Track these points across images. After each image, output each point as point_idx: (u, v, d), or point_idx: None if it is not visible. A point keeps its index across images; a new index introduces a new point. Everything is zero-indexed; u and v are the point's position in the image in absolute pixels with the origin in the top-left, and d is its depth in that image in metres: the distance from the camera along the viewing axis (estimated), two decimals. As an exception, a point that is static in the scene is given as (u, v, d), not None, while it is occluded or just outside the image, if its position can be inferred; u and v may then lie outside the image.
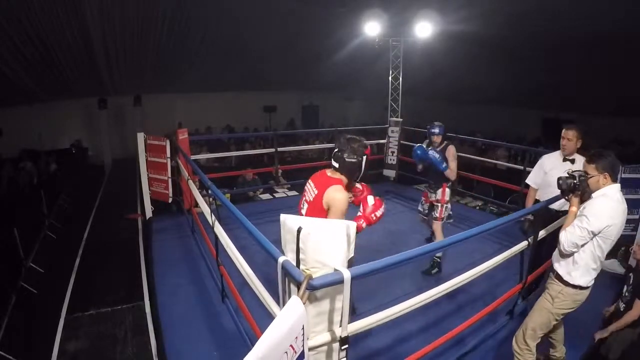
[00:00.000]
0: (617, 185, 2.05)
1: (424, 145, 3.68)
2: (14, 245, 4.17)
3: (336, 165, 2.11)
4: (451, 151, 3.57)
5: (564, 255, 2.12)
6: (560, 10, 5.94)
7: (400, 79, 6.88)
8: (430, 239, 4.07)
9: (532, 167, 3.31)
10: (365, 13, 6.22)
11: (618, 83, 7.33)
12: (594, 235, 1.99)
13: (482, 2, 6.13)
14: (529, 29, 6.86)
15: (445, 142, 3.63)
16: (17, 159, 8.63)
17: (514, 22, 6.65)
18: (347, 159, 2.08)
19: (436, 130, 3.59)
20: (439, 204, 3.66)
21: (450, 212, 3.75)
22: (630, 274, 2.81)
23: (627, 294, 2.72)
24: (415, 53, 7.10)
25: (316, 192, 2.11)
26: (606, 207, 1.98)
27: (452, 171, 3.55)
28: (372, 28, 6.21)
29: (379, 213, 2.20)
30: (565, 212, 2.62)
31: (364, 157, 2.11)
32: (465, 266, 2.37)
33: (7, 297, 3.62)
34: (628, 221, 3.48)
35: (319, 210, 2.08)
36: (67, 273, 3.76)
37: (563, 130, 2.88)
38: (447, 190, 3.63)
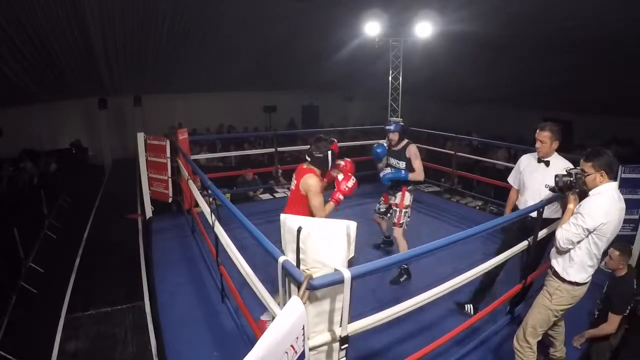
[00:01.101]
0: (614, 184, 2.05)
1: (385, 144, 3.54)
2: (14, 245, 4.17)
3: (309, 159, 2.60)
4: (412, 150, 3.41)
5: (561, 252, 2.14)
6: (560, 10, 5.94)
7: (400, 79, 6.89)
8: (389, 239, 3.97)
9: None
10: (365, 13, 6.22)
11: (618, 83, 7.33)
12: (589, 232, 2.00)
13: (483, 2, 6.13)
14: (529, 29, 6.86)
15: (406, 140, 3.47)
16: (17, 159, 8.64)
17: (515, 22, 6.65)
18: (315, 154, 2.56)
19: (391, 127, 3.43)
20: (398, 209, 3.45)
21: (408, 218, 3.51)
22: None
23: (599, 301, 2.70)
24: (415, 53, 7.10)
25: (295, 182, 2.59)
26: (601, 205, 1.98)
27: (418, 172, 3.38)
28: (372, 28, 6.21)
29: (350, 184, 2.59)
30: (552, 220, 2.60)
31: (329, 152, 2.56)
32: (466, 266, 2.37)
33: (7, 297, 3.63)
34: (628, 221, 3.48)
35: (299, 195, 2.55)
36: (67, 273, 3.76)
37: (537, 131, 2.67)
38: (407, 194, 3.45)
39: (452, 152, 5.85)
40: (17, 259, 4.18)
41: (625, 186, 3.62)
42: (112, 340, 2.76)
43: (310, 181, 2.48)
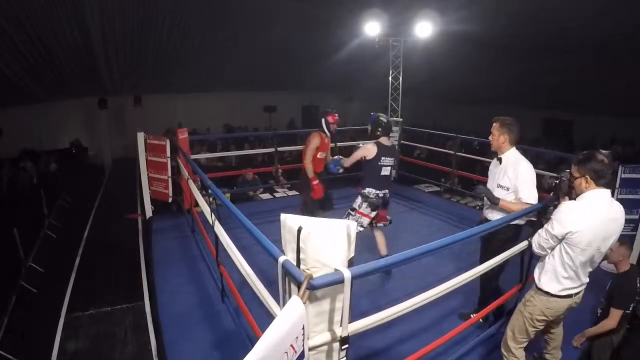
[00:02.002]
0: (603, 191, 1.86)
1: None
2: (14, 245, 4.17)
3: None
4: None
5: (540, 259, 2.09)
6: (560, 10, 5.94)
7: (400, 79, 6.89)
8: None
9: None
10: (365, 13, 6.23)
11: (618, 83, 7.33)
12: (559, 240, 1.90)
13: (483, 2, 6.13)
14: (529, 29, 6.86)
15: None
16: (17, 159, 8.64)
17: (514, 22, 6.66)
18: (321, 121, 3.75)
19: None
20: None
21: (361, 228, 3.36)
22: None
23: (602, 299, 2.68)
24: (415, 53, 7.11)
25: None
26: (572, 212, 1.85)
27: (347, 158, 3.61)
28: (372, 28, 6.21)
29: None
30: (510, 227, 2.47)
31: (323, 120, 3.72)
32: (466, 266, 2.36)
33: (7, 297, 3.62)
34: (628, 221, 3.46)
35: (304, 150, 3.72)
36: (67, 273, 3.76)
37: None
38: (358, 197, 3.40)
39: (452, 152, 5.85)
40: (17, 258, 4.18)
41: (625, 186, 3.61)
42: (112, 340, 2.75)
43: (309, 137, 3.62)
